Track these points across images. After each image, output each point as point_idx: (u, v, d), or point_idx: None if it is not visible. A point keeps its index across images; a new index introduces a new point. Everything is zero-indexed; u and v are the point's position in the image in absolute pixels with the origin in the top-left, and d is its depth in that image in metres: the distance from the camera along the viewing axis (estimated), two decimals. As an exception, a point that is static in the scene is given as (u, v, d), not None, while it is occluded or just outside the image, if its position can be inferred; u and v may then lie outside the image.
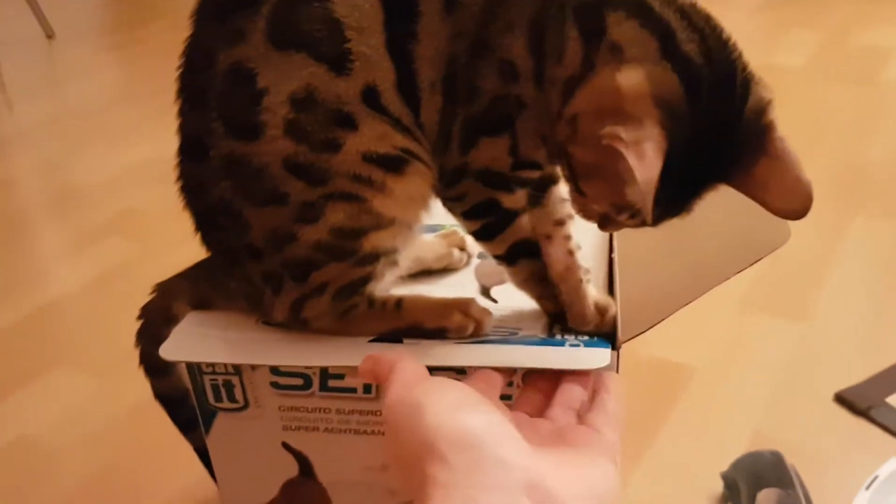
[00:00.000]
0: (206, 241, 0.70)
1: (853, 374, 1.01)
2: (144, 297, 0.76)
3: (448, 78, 0.61)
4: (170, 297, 0.73)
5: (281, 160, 0.61)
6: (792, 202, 0.57)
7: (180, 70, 0.65)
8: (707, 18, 0.57)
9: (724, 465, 0.88)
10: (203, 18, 0.64)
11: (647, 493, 0.88)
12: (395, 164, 0.62)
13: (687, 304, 0.64)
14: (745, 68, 0.58)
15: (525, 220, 0.67)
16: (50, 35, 2.67)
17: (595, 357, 0.62)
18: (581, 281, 0.67)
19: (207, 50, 0.62)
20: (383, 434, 0.57)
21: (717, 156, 0.57)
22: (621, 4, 0.57)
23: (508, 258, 0.68)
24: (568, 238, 0.68)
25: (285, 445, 0.71)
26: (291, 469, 0.72)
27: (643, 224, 0.60)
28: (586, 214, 0.64)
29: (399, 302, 0.68)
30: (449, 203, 0.67)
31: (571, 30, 0.58)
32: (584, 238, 0.76)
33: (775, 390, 1.01)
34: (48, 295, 1.34)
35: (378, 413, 0.68)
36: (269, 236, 0.64)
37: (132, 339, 0.74)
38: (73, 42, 2.66)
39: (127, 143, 1.85)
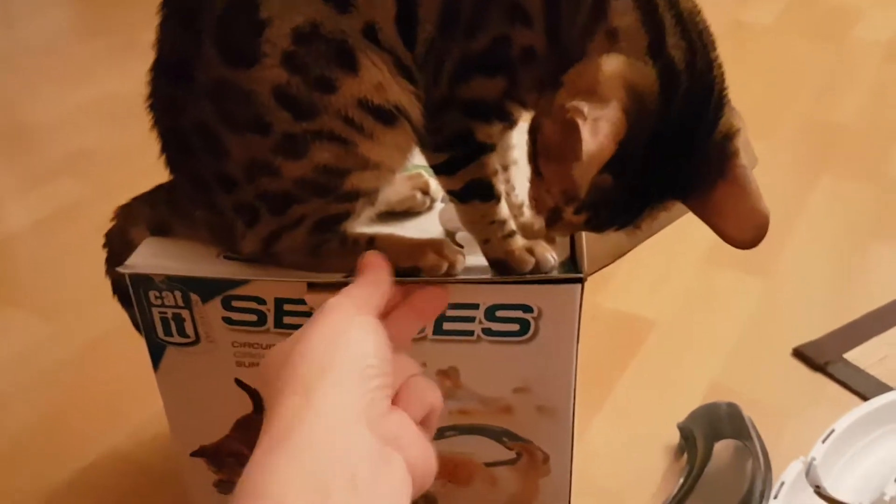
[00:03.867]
0: (173, 164, 0.69)
1: (812, 330, 1.02)
2: (95, 238, 0.74)
3: (447, 10, 0.60)
4: (128, 222, 0.72)
5: (271, 88, 0.60)
6: (744, 231, 0.57)
7: None
8: (702, 32, 0.57)
9: (682, 417, 0.88)
10: None
11: (604, 443, 0.89)
12: (386, 117, 0.62)
13: (648, 237, 0.63)
14: (723, 91, 0.57)
15: (489, 160, 0.66)
16: (1, -30, 2.59)
17: (563, 290, 0.62)
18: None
19: None
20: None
21: (677, 169, 0.57)
22: None
23: (462, 195, 0.67)
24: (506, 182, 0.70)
25: (238, 382, 0.69)
26: (245, 406, 0.71)
27: (588, 226, 0.60)
28: (539, 205, 0.63)
29: (371, 240, 0.67)
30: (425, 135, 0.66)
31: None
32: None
33: (734, 344, 1.01)
34: (-4, 235, 1.31)
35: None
36: (246, 165, 0.63)
37: (82, 280, 0.72)
38: (26, -23, 2.57)
39: (79, 82, 1.79)
